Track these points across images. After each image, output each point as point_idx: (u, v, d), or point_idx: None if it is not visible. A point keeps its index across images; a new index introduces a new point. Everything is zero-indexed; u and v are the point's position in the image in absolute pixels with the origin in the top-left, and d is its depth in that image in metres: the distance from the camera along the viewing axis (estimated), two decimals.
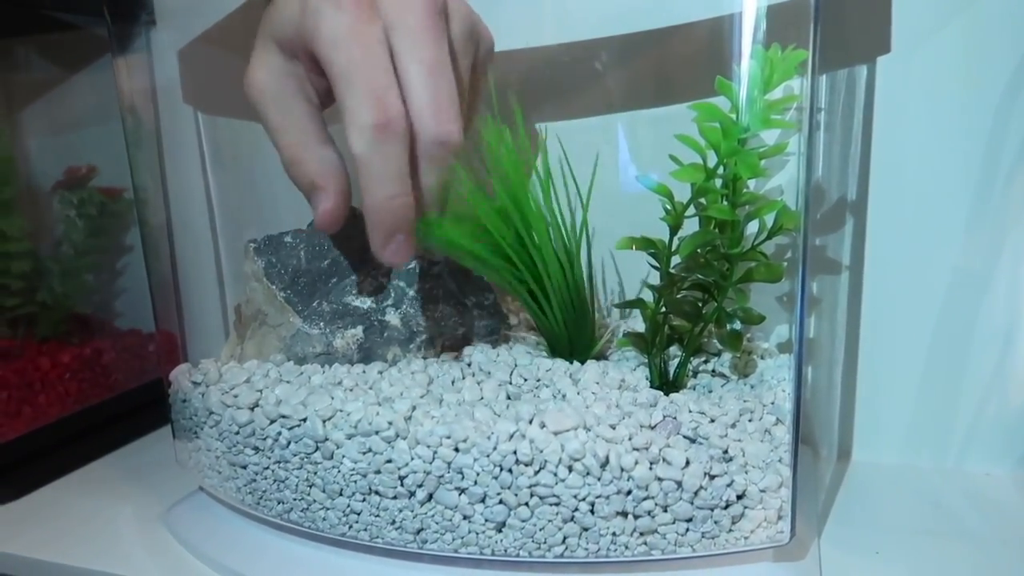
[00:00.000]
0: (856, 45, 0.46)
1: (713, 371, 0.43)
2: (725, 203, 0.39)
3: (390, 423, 0.35)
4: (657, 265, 0.42)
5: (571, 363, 0.42)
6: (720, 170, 0.38)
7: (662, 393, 0.39)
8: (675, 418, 0.36)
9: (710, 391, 0.42)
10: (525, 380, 0.41)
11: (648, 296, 0.44)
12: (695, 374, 0.44)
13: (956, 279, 0.46)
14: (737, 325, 0.41)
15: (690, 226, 0.40)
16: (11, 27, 0.60)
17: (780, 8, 0.35)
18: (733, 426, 0.36)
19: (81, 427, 0.56)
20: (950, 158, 0.45)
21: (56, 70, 0.63)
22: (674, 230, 0.40)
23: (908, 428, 0.49)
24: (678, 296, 0.42)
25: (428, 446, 0.35)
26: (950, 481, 0.47)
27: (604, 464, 0.33)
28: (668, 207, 0.40)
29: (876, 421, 0.50)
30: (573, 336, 0.43)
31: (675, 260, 0.41)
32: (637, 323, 0.48)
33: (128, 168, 0.61)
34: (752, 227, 0.39)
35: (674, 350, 0.44)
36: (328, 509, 0.37)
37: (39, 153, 0.63)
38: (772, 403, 0.39)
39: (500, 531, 0.35)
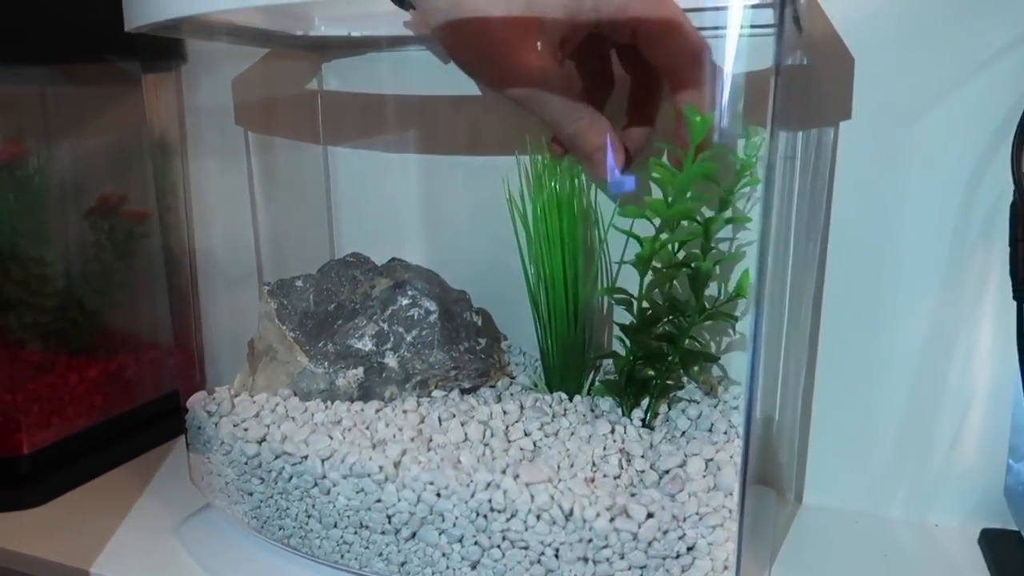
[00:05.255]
0: (825, 109, 0.50)
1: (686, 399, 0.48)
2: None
3: (381, 468, 0.40)
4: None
5: (552, 400, 0.47)
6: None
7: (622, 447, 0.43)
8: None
9: (682, 433, 0.46)
10: (513, 423, 0.45)
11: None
12: (668, 406, 0.48)
13: (913, 341, 0.50)
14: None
15: None
16: (46, 57, 0.64)
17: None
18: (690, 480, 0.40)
19: (103, 437, 0.61)
20: (911, 230, 0.49)
21: (88, 99, 0.67)
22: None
23: (861, 477, 0.52)
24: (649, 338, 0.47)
25: (413, 491, 0.39)
26: (900, 530, 0.51)
27: (568, 515, 0.37)
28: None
29: (828, 468, 0.53)
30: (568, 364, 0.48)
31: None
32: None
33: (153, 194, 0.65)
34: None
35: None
36: (324, 539, 0.42)
37: (71, 176, 0.67)
38: (731, 457, 0.42)
39: (474, 568, 0.39)
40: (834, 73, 0.49)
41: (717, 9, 0.43)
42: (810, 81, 0.50)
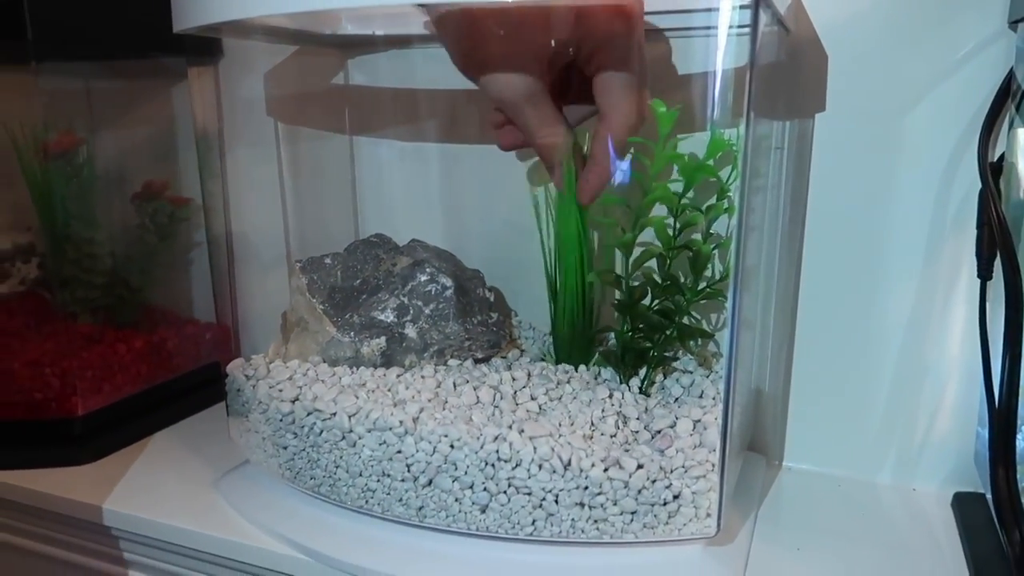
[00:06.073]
0: (804, 102, 0.54)
1: (681, 370, 0.53)
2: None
3: (401, 422, 0.44)
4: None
5: (558, 369, 0.52)
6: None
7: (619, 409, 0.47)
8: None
9: (675, 399, 0.50)
10: (521, 389, 0.50)
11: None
12: (664, 375, 0.53)
13: (894, 318, 0.54)
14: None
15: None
16: (97, 52, 0.70)
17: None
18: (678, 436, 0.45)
19: (148, 403, 0.66)
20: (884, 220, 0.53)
21: (130, 92, 0.72)
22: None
23: (845, 445, 0.57)
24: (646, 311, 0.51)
25: (430, 443, 0.44)
26: (880, 493, 0.55)
27: (567, 465, 0.42)
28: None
29: (813, 435, 0.58)
30: (576, 337, 0.53)
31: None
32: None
33: (195, 180, 0.71)
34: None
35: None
36: (351, 487, 0.47)
37: (116, 163, 0.73)
38: (716, 419, 0.47)
39: (483, 512, 0.44)
40: (819, 70, 0.53)
41: (709, 10, 0.48)
42: (799, 77, 0.54)
